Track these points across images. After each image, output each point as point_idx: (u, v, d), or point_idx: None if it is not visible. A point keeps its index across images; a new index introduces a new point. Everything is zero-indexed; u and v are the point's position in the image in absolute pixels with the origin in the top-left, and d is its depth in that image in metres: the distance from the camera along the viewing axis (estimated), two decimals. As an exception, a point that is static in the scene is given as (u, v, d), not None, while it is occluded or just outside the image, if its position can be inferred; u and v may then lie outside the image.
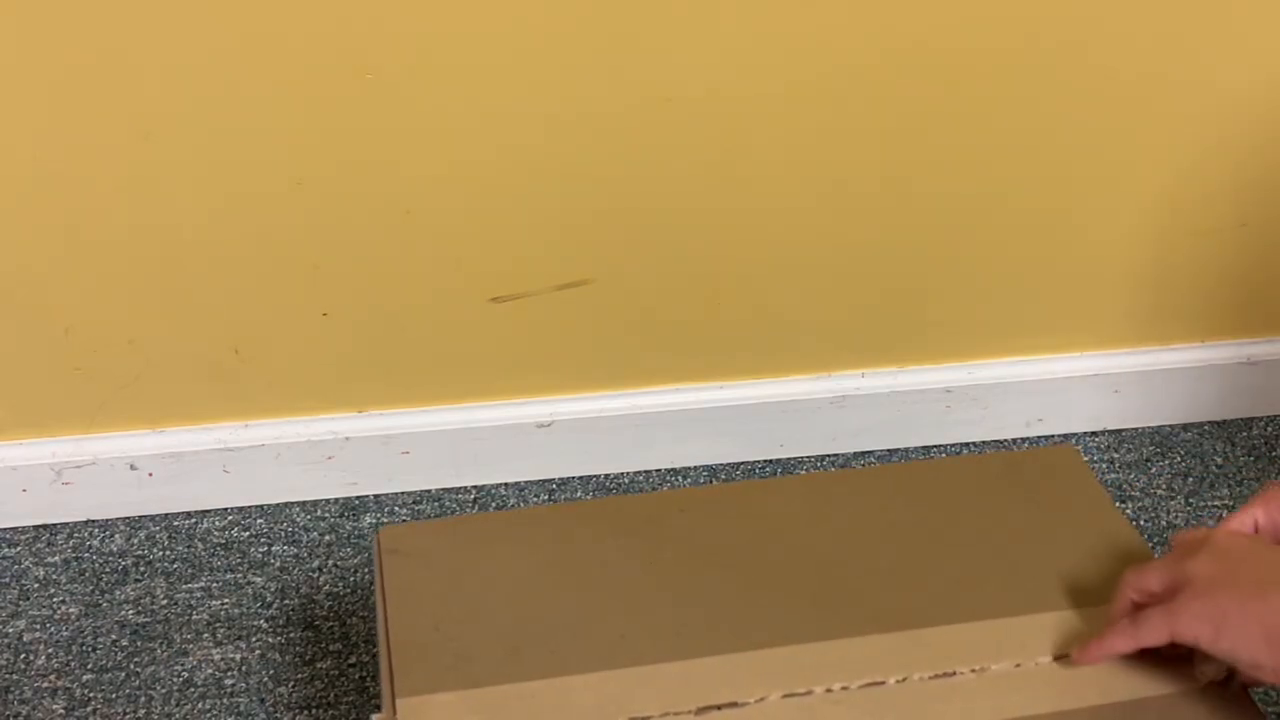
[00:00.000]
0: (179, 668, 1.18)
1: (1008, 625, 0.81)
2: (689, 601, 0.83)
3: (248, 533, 1.30)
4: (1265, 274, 1.33)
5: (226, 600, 1.24)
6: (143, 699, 1.16)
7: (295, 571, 1.27)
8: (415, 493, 1.34)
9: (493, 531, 0.90)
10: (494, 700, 0.77)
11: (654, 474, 1.36)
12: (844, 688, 0.77)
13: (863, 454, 1.38)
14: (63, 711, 1.15)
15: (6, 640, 1.21)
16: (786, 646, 0.80)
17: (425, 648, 0.80)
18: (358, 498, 1.34)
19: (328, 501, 1.33)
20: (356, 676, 1.18)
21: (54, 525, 1.31)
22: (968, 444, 1.38)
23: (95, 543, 1.29)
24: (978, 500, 0.91)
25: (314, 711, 1.15)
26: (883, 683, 0.78)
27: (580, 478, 1.35)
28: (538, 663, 0.79)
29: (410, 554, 0.86)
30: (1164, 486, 1.34)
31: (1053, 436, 1.39)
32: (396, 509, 1.33)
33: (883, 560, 0.86)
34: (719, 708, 0.76)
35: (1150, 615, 0.74)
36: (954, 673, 0.78)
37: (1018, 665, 0.79)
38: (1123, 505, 1.32)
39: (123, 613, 1.23)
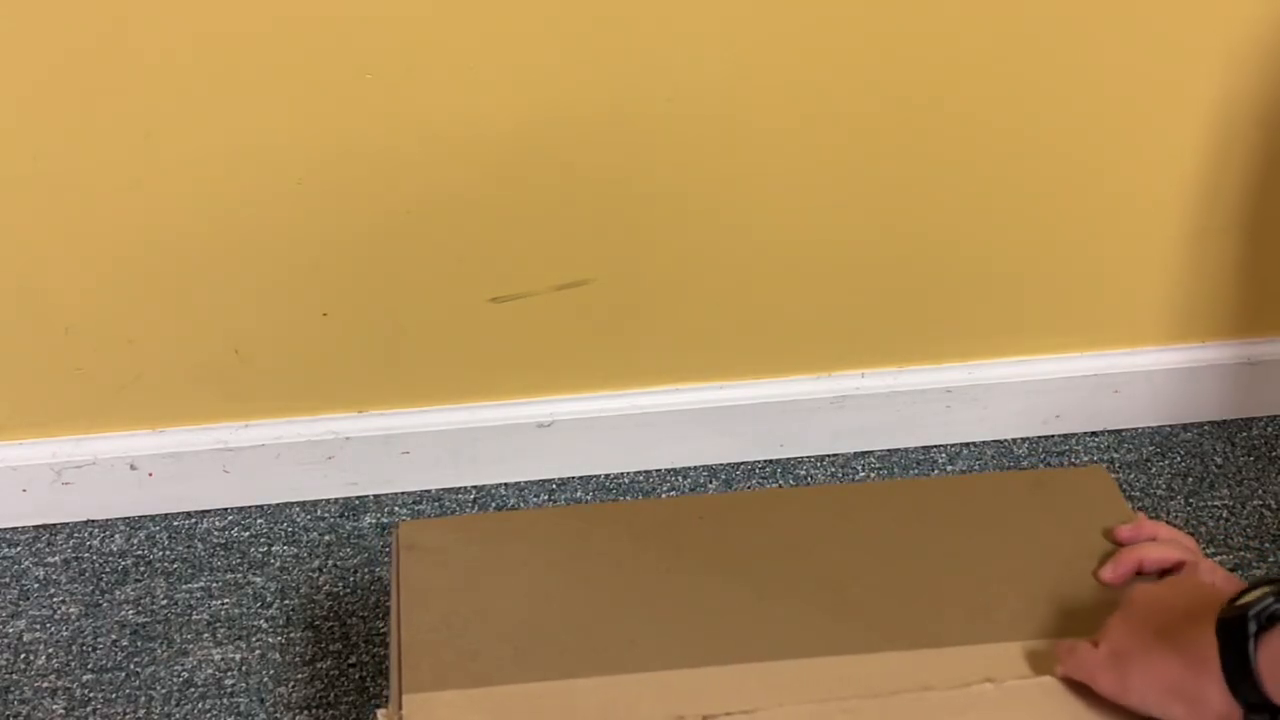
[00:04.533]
0: (179, 668, 1.18)
1: (1029, 648, 0.80)
2: (702, 610, 0.83)
3: (248, 533, 1.30)
4: (1265, 274, 1.33)
5: (226, 600, 1.24)
6: (143, 699, 1.16)
7: (295, 571, 1.27)
8: (415, 493, 1.34)
9: (510, 530, 0.89)
10: (499, 700, 0.77)
11: (654, 474, 1.36)
12: (856, 698, 0.77)
13: (863, 454, 1.38)
14: (63, 711, 1.15)
15: (6, 640, 1.20)
16: (799, 660, 0.79)
17: (434, 644, 0.80)
18: (358, 498, 1.34)
19: (328, 501, 1.33)
20: (356, 676, 1.18)
21: (54, 525, 1.31)
22: (968, 444, 1.38)
23: (95, 543, 1.29)
24: (1003, 519, 0.90)
25: (314, 711, 1.15)
26: (896, 694, 0.77)
27: (580, 478, 1.35)
28: (545, 664, 0.79)
29: (427, 550, 0.86)
30: (1164, 486, 1.34)
31: (1052, 436, 1.39)
32: (396, 509, 1.33)
33: (902, 577, 0.85)
34: (727, 715, 0.76)
35: (1080, 659, 0.77)
36: (969, 684, 0.78)
37: (1037, 681, 0.78)
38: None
39: (123, 613, 1.23)
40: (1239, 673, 0.67)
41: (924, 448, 1.38)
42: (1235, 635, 0.67)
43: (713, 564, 0.86)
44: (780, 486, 1.34)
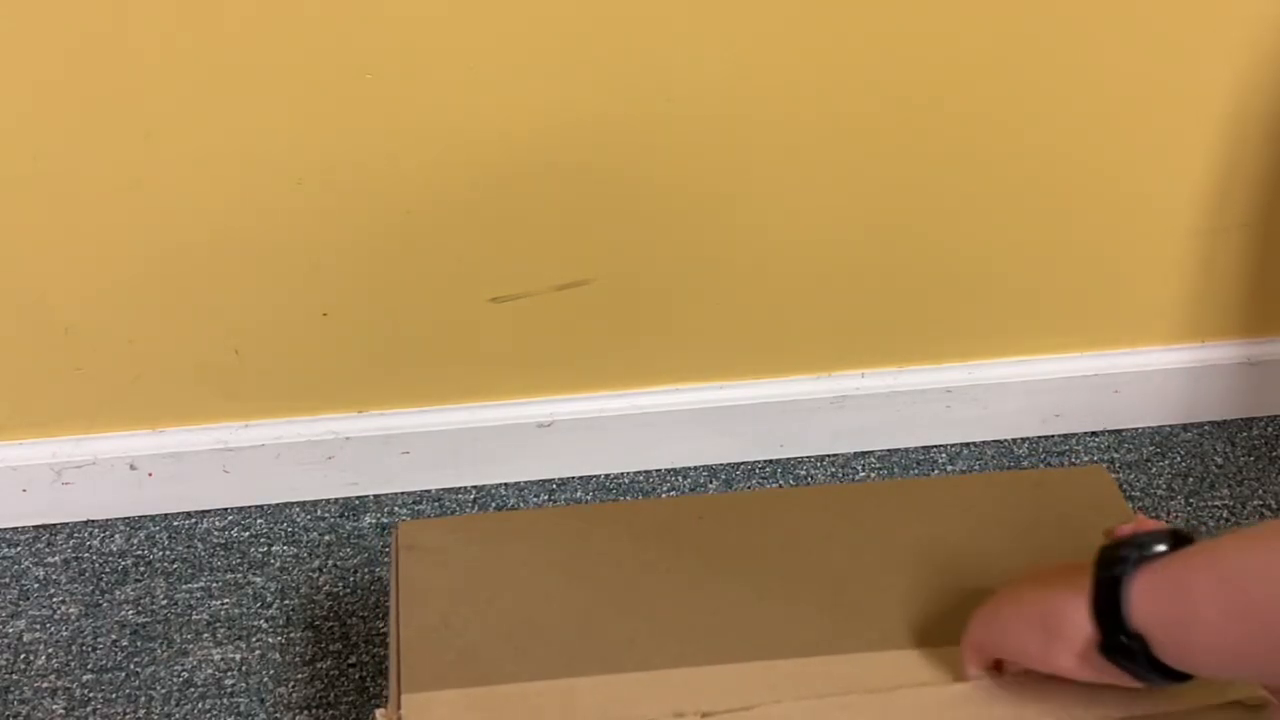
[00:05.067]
0: (179, 668, 1.18)
1: None
2: (701, 609, 0.83)
3: (248, 533, 1.30)
4: (1265, 274, 1.33)
5: (226, 600, 1.24)
6: (143, 699, 1.16)
7: (295, 571, 1.27)
8: (415, 493, 1.34)
9: (510, 530, 0.89)
10: (498, 700, 0.77)
11: (654, 474, 1.36)
12: (854, 694, 0.77)
13: (863, 454, 1.38)
14: (63, 711, 1.15)
15: (6, 640, 1.21)
16: (798, 659, 0.79)
17: (433, 644, 0.80)
18: (358, 498, 1.34)
19: (328, 501, 1.33)
20: (356, 676, 1.18)
21: (54, 525, 1.31)
22: (968, 444, 1.38)
23: (95, 543, 1.29)
24: (1003, 520, 0.90)
25: (314, 711, 1.15)
26: (893, 690, 0.77)
27: (580, 478, 1.35)
28: (544, 663, 0.79)
29: (426, 550, 0.86)
30: (1164, 486, 1.34)
31: (1052, 436, 1.39)
32: (396, 509, 1.33)
33: (902, 577, 0.85)
34: (727, 711, 0.76)
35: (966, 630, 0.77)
36: (967, 679, 0.78)
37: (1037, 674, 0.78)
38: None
39: (123, 613, 1.23)
40: (1108, 597, 0.66)
41: (924, 448, 1.38)
42: (1112, 562, 0.67)
43: (713, 564, 0.86)
44: (780, 486, 1.35)
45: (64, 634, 1.21)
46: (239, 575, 1.26)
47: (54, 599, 1.24)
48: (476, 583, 0.85)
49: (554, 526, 0.90)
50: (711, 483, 1.35)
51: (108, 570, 1.27)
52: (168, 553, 1.29)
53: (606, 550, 0.87)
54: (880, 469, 1.36)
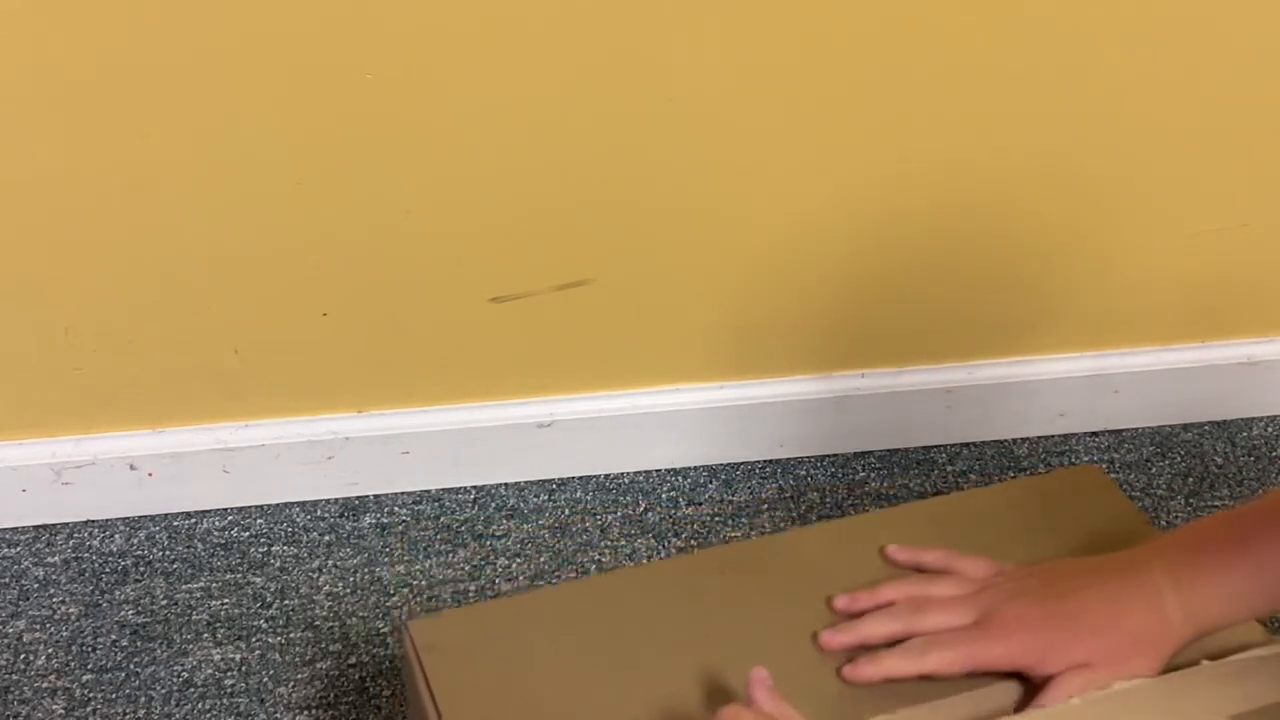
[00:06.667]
0: (179, 668, 1.18)
1: None
2: (740, 669, 0.79)
3: (248, 533, 1.30)
4: (1265, 274, 1.33)
5: (226, 600, 1.24)
6: (143, 699, 1.16)
7: (295, 571, 1.27)
8: (415, 493, 1.34)
9: (526, 615, 0.86)
10: None
11: (654, 474, 1.36)
12: None
13: (863, 454, 1.37)
14: (63, 711, 1.15)
15: (6, 640, 1.20)
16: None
17: None
18: (358, 498, 1.34)
19: (328, 501, 1.33)
20: (356, 677, 1.18)
21: (54, 525, 1.31)
22: (968, 444, 1.38)
23: (95, 543, 1.29)
24: (1003, 520, 0.89)
25: (314, 711, 1.15)
26: None
27: (580, 477, 1.35)
28: None
29: (449, 649, 0.83)
30: (1164, 486, 1.34)
31: (1052, 437, 1.39)
32: (396, 509, 1.33)
33: None
34: None
35: (946, 642, 0.74)
36: None
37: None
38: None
39: (123, 613, 1.23)
40: None
41: (924, 448, 1.38)
42: None
43: (743, 622, 0.83)
44: (781, 488, 1.34)
45: (64, 634, 1.21)
46: (239, 575, 1.26)
47: (54, 599, 1.24)
48: (512, 678, 0.82)
49: (570, 605, 0.87)
50: (711, 483, 1.35)
51: (108, 570, 1.27)
52: (168, 553, 1.29)
53: (633, 620, 0.84)
54: (880, 469, 1.36)
